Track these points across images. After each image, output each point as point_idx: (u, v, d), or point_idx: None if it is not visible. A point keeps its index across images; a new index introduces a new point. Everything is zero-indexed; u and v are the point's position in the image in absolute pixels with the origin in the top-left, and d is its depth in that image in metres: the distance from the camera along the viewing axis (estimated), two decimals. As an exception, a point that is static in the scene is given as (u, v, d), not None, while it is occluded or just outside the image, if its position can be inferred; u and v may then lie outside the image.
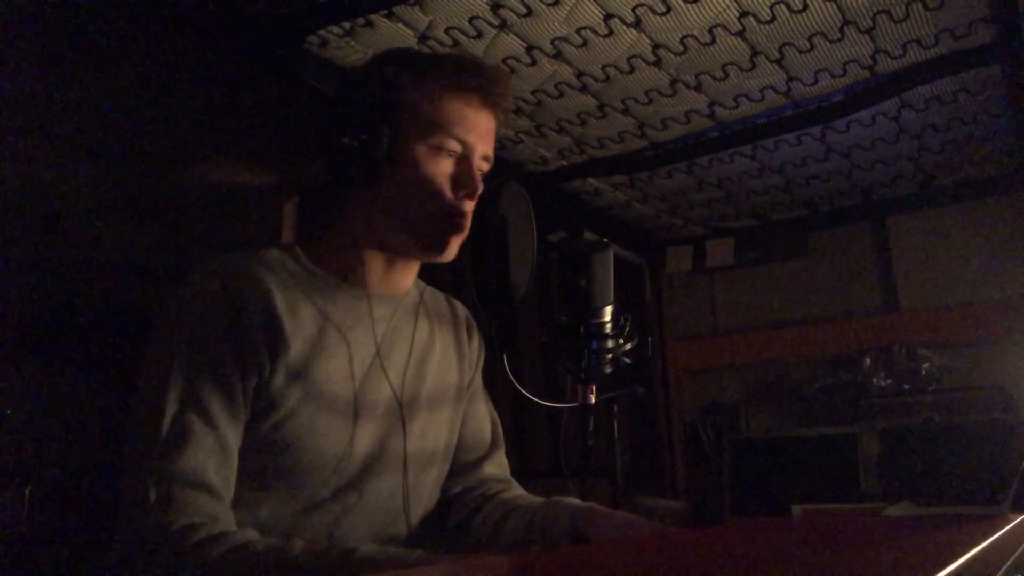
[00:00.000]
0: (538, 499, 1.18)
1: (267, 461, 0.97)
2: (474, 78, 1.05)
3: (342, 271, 1.07)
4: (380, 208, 1.05)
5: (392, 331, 1.10)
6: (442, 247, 1.05)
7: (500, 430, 1.29)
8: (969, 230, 2.61)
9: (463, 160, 1.05)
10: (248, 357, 0.94)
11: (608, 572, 0.56)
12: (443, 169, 1.04)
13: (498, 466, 1.26)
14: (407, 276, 1.14)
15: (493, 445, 1.27)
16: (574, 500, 1.13)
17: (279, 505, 0.98)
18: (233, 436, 0.94)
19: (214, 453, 0.91)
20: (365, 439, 1.04)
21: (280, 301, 0.98)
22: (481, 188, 1.05)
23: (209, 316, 0.95)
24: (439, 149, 1.03)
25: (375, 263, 1.08)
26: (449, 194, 1.04)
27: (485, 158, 1.08)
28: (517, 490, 1.25)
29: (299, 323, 0.99)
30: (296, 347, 0.98)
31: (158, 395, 0.91)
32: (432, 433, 1.14)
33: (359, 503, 1.04)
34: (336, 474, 1.01)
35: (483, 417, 1.27)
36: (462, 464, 1.23)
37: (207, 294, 0.96)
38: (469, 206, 1.04)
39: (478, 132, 1.06)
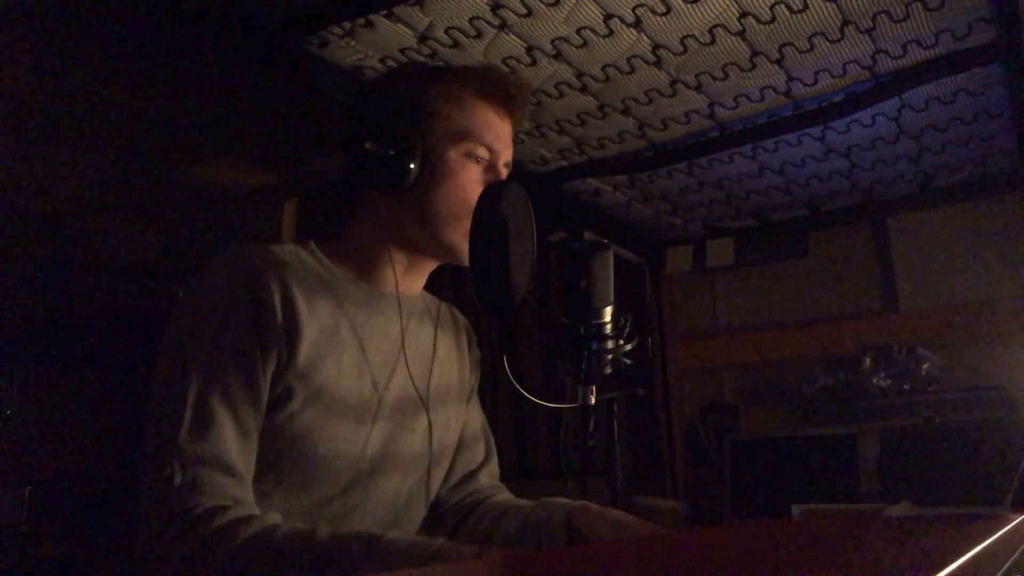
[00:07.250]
0: (529, 502, 1.19)
1: (281, 454, 0.98)
2: (500, 88, 1.11)
3: (359, 269, 1.09)
4: (408, 211, 1.07)
5: (406, 330, 1.12)
6: None
7: (492, 439, 1.31)
8: (969, 230, 2.60)
9: (490, 167, 1.10)
10: (269, 342, 0.95)
11: (608, 573, 0.56)
12: (472, 175, 1.08)
13: (491, 475, 1.29)
14: (422, 278, 1.17)
15: (488, 455, 1.29)
16: (565, 500, 1.14)
17: (289, 499, 0.99)
18: (254, 420, 0.94)
19: (236, 435, 0.92)
20: (377, 436, 1.05)
21: (297, 291, 0.99)
22: None
23: (231, 301, 0.96)
24: (469, 156, 1.08)
25: (397, 263, 1.11)
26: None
27: (507, 164, 1.13)
28: (507, 494, 1.27)
29: (315, 314, 1.00)
30: (311, 337, 0.99)
31: (180, 379, 0.92)
32: (439, 433, 1.15)
33: (365, 501, 1.04)
34: (348, 470, 1.02)
35: (479, 428, 1.29)
36: (459, 475, 1.24)
37: (229, 280, 0.97)
38: None
39: (504, 140, 1.11)
